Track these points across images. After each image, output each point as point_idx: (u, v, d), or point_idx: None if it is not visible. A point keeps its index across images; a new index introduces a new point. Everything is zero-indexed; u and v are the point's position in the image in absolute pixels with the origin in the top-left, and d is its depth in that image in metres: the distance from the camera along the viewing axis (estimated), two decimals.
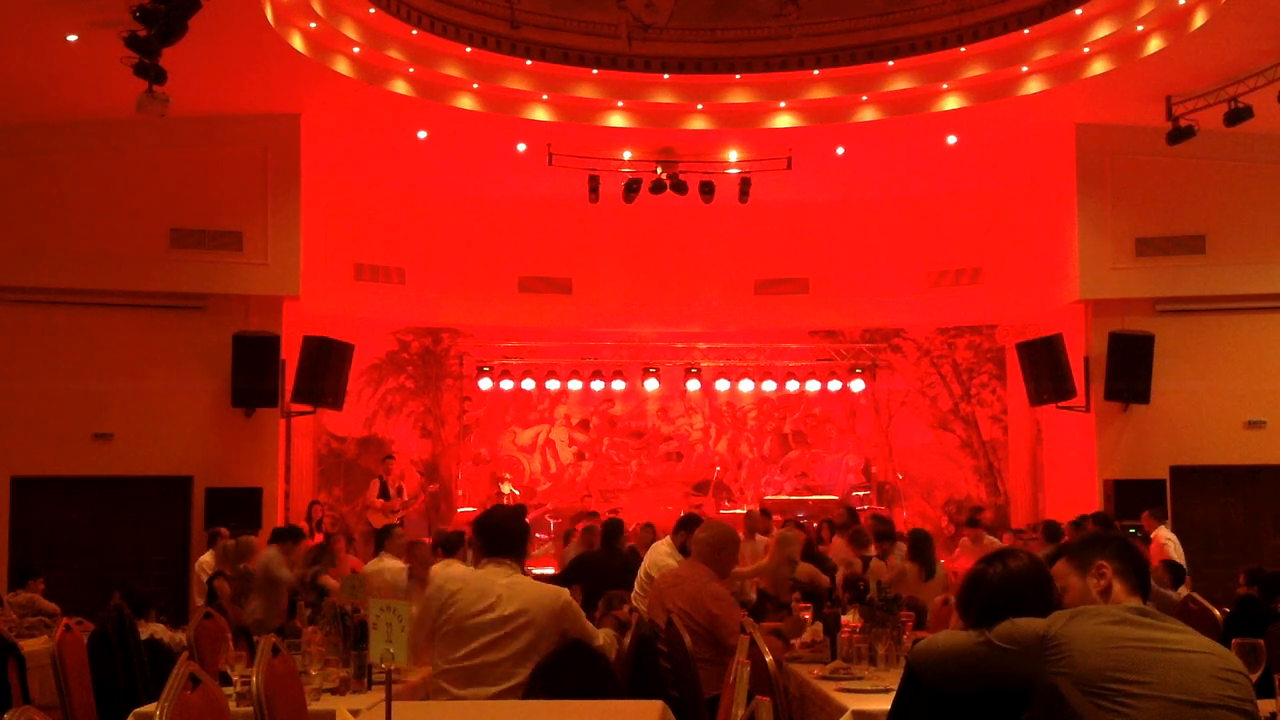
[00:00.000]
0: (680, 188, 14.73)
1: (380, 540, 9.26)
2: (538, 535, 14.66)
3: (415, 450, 16.18)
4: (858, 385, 16.68)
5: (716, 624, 5.90)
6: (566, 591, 4.86)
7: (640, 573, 8.71)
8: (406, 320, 16.13)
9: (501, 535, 4.94)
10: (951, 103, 13.71)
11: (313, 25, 11.88)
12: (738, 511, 15.49)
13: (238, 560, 9.62)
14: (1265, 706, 3.74)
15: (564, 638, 4.73)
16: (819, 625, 6.50)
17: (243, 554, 9.73)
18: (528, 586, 4.83)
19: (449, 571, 5.87)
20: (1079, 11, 12.13)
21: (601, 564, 9.77)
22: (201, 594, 10.26)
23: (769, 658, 4.62)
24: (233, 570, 9.53)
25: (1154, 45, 12.10)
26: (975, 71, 13.24)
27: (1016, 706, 3.02)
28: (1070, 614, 3.03)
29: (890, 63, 13.38)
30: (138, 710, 4.83)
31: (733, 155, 15.09)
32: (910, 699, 3.30)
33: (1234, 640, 3.71)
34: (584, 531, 11.38)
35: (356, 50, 12.50)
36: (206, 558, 10.68)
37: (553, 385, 16.53)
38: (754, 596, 9.10)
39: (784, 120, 14.27)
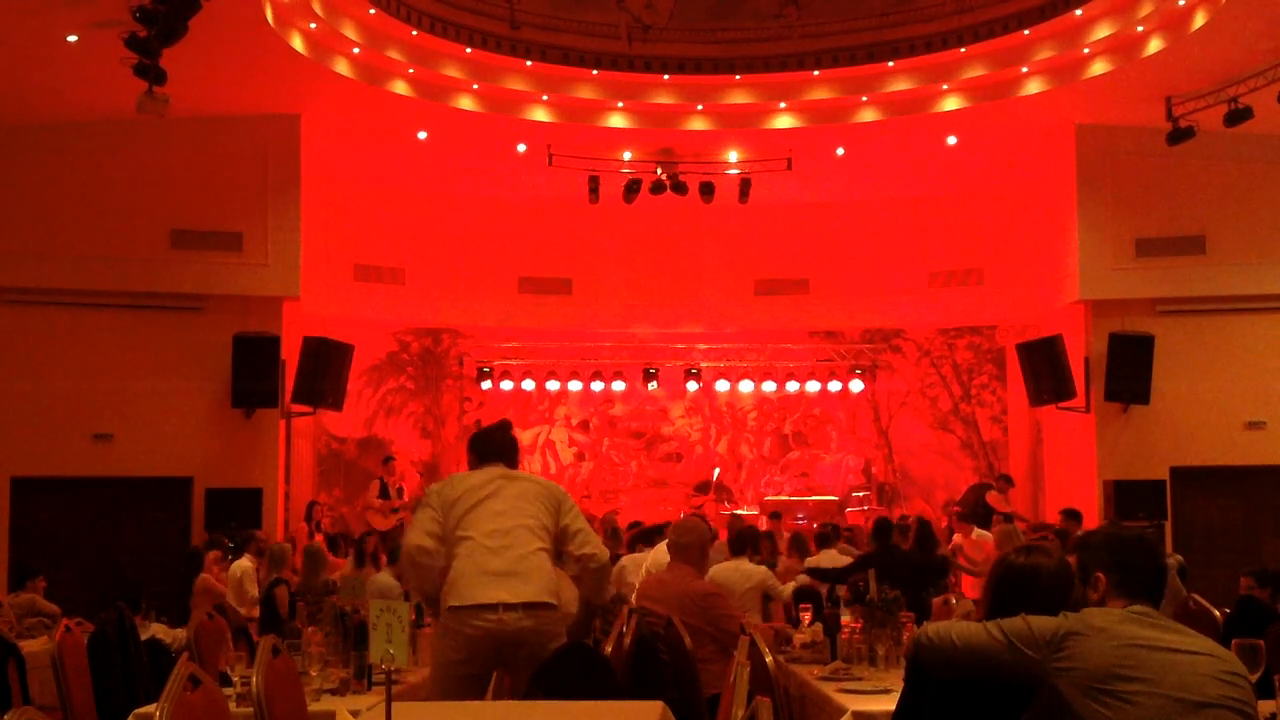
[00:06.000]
0: (680, 188, 14.71)
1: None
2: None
3: (415, 451, 16.18)
4: (857, 386, 16.66)
5: (714, 617, 5.98)
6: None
7: (641, 572, 8.79)
8: (406, 321, 16.12)
9: (491, 444, 5.33)
10: (951, 103, 13.71)
11: (313, 26, 11.88)
12: (739, 511, 15.50)
13: (277, 568, 9.32)
14: (1265, 707, 3.75)
15: (558, 523, 5.09)
16: (819, 625, 6.51)
17: (280, 561, 9.45)
18: (525, 474, 5.32)
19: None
20: (1079, 12, 12.13)
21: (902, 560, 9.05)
22: (242, 601, 9.86)
23: (769, 658, 4.63)
24: (303, 584, 8.94)
25: (1154, 46, 12.10)
26: (975, 72, 13.23)
27: (1017, 706, 3.04)
28: (1079, 614, 3.09)
29: (890, 63, 13.37)
30: (138, 710, 4.82)
31: (733, 155, 15.08)
32: (914, 699, 3.30)
33: (1234, 641, 3.71)
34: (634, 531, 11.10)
35: (356, 51, 12.50)
36: (245, 563, 10.28)
37: (553, 386, 16.52)
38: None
39: (784, 121, 14.26)
